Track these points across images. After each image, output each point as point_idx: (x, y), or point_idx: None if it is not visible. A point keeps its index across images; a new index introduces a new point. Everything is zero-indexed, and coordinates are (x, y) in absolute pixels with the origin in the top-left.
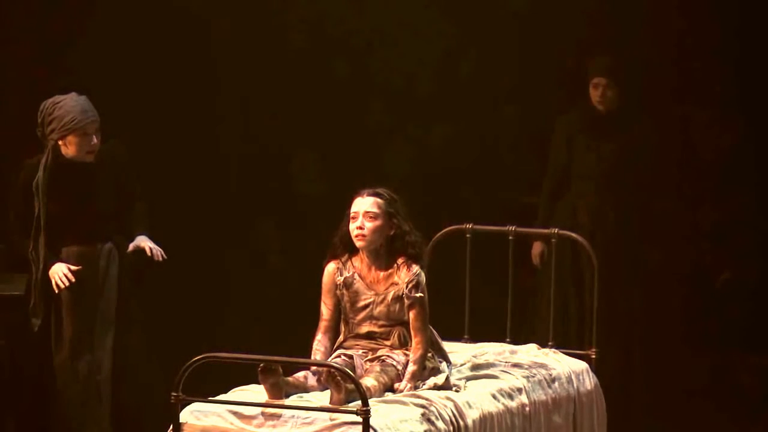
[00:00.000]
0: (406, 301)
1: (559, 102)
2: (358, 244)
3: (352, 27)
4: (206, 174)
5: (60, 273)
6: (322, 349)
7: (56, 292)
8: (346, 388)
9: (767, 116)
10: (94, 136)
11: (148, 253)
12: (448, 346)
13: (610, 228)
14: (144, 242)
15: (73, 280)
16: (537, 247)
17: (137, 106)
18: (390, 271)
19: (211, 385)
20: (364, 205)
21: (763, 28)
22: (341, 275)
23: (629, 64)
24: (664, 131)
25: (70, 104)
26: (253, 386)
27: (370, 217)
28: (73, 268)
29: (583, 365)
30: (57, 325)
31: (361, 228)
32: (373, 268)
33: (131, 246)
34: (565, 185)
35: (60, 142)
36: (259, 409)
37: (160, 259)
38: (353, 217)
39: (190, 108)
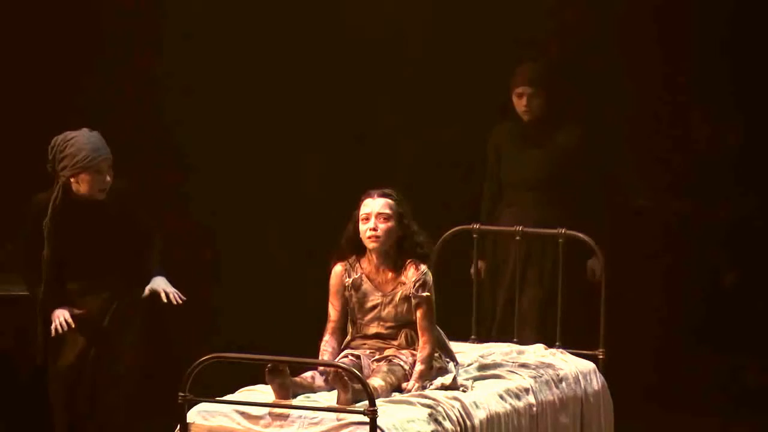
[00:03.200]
0: (413, 300)
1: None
2: (371, 245)
3: (358, 26)
4: (213, 174)
5: (62, 318)
6: (330, 349)
7: (52, 335)
8: (353, 388)
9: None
10: (107, 174)
11: (164, 299)
12: (455, 346)
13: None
14: (160, 286)
15: (73, 326)
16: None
17: (142, 110)
18: (398, 271)
19: (218, 385)
20: (376, 206)
21: (757, 21)
22: (349, 277)
23: (554, 71)
24: (667, 128)
25: (82, 141)
26: (260, 386)
27: (384, 219)
28: (76, 311)
29: (590, 365)
30: (54, 356)
31: (374, 229)
32: (381, 269)
33: (147, 290)
34: (499, 193)
35: (72, 180)
36: (266, 410)
37: (178, 302)
38: (365, 219)
39: (196, 108)
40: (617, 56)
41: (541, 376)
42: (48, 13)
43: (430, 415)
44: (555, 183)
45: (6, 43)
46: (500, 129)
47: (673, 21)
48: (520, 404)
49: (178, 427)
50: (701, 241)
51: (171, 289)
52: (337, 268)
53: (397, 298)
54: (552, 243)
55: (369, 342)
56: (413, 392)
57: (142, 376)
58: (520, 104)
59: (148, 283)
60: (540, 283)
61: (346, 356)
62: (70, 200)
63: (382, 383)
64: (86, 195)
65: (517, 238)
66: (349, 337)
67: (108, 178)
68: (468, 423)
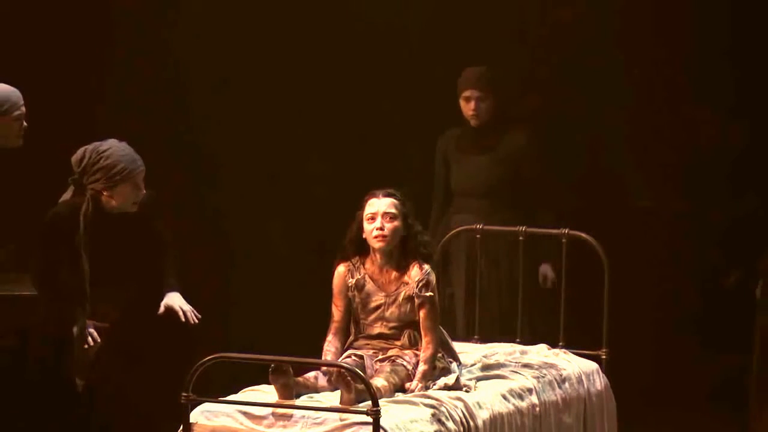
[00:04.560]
0: (416, 300)
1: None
2: (378, 245)
3: (360, 27)
4: (217, 174)
5: (90, 332)
6: (333, 349)
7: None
8: (356, 388)
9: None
10: (142, 187)
11: (182, 318)
12: (458, 346)
13: (488, 243)
14: (175, 303)
15: (99, 340)
16: None
17: (145, 113)
18: (401, 271)
19: (221, 385)
20: (382, 205)
21: (758, 21)
22: (352, 277)
23: (503, 74)
24: (669, 130)
25: (118, 153)
26: (263, 386)
27: (390, 218)
28: (99, 325)
29: (593, 365)
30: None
31: (381, 229)
32: (384, 270)
33: (162, 306)
34: (447, 201)
35: (104, 192)
36: (269, 410)
37: (194, 322)
38: (371, 218)
39: (201, 108)
40: (617, 56)
41: (544, 377)
42: (51, 17)
43: (433, 415)
44: (504, 189)
45: (6, 44)
46: (448, 135)
47: (674, 20)
48: (523, 404)
49: (181, 427)
50: (703, 242)
51: (187, 307)
52: (341, 269)
53: (400, 298)
54: (517, 244)
55: (372, 342)
56: (416, 392)
57: (150, 380)
58: (467, 108)
59: (162, 294)
60: (504, 284)
61: (349, 356)
62: (103, 214)
63: (385, 383)
64: (118, 208)
65: (521, 238)
66: (352, 337)
67: (143, 191)
68: (471, 423)
